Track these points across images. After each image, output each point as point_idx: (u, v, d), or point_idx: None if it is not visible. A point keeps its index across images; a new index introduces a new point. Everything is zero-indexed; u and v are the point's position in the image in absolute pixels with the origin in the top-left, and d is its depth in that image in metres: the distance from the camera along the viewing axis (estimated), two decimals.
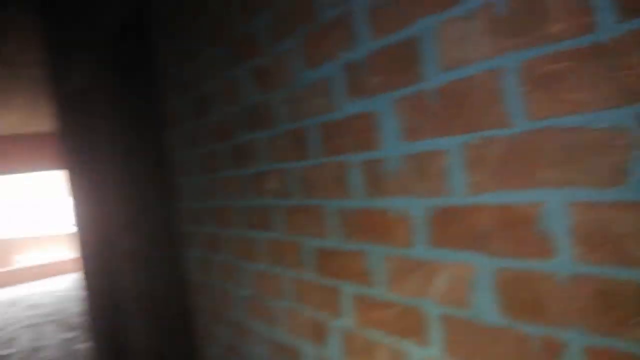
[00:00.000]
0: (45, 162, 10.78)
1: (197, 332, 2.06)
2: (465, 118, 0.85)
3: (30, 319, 8.00)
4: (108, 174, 3.79)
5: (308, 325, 1.30)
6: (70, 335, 6.86)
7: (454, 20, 0.84)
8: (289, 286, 1.38)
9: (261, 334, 1.54)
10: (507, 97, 0.79)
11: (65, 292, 10.07)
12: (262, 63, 1.36)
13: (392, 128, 0.98)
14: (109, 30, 2.56)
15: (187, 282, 2.26)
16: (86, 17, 3.01)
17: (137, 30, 2.47)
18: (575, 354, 0.73)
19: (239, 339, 1.68)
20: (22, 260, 14.50)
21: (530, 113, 0.76)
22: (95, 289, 4.34)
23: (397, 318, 1.03)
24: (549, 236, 0.76)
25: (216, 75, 1.61)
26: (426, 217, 0.93)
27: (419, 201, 0.95)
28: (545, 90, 0.74)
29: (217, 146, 1.68)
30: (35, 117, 8.61)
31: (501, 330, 0.83)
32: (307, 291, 1.29)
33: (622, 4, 0.64)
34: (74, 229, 11.83)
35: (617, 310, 0.68)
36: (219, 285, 1.81)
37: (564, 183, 0.73)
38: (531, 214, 0.77)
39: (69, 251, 12.65)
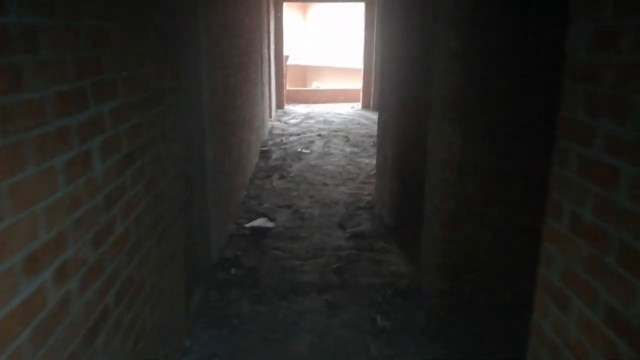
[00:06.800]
0: None
1: None
2: None
3: (321, 131, 9.44)
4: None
5: None
6: (352, 149, 7.86)
7: None
8: None
9: None
10: None
11: (349, 116, 11.39)
12: None
13: None
14: None
15: None
16: None
17: None
18: None
19: None
20: (317, 85, 16.86)
21: None
22: (382, 121, 4.67)
23: None
24: None
25: None
26: None
27: None
28: None
29: None
30: None
31: None
32: None
33: None
34: (363, 63, 12.60)
35: None
36: None
37: None
38: None
39: (356, 83, 14.00)
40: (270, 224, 4.45)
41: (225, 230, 4.06)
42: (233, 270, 3.56)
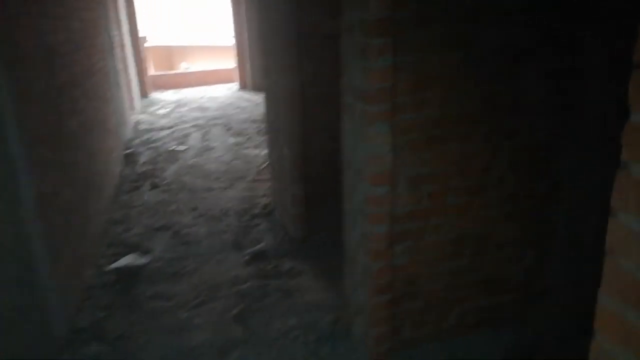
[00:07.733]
0: None
1: None
2: None
3: (197, 120, 8.30)
4: None
5: None
6: (236, 139, 6.92)
7: None
8: None
9: None
10: None
11: (227, 99, 10.32)
12: None
13: None
14: None
15: None
16: None
17: None
18: None
19: None
20: (187, 67, 15.26)
21: None
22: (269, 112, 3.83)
23: None
24: None
25: None
26: None
27: None
28: None
29: None
30: None
31: None
32: None
33: None
34: (233, 41, 11.43)
35: None
36: None
37: None
38: None
39: (229, 61, 12.76)
40: (142, 260, 3.43)
41: (77, 285, 2.96)
42: (94, 346, 2.53)
